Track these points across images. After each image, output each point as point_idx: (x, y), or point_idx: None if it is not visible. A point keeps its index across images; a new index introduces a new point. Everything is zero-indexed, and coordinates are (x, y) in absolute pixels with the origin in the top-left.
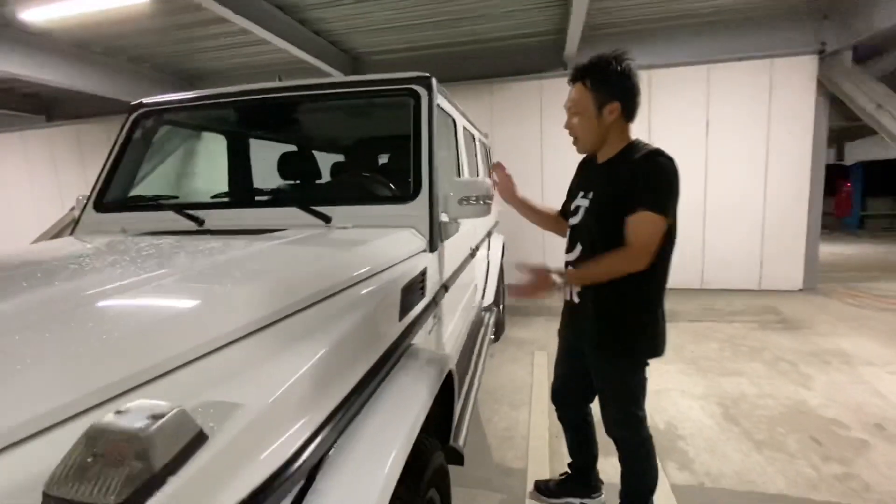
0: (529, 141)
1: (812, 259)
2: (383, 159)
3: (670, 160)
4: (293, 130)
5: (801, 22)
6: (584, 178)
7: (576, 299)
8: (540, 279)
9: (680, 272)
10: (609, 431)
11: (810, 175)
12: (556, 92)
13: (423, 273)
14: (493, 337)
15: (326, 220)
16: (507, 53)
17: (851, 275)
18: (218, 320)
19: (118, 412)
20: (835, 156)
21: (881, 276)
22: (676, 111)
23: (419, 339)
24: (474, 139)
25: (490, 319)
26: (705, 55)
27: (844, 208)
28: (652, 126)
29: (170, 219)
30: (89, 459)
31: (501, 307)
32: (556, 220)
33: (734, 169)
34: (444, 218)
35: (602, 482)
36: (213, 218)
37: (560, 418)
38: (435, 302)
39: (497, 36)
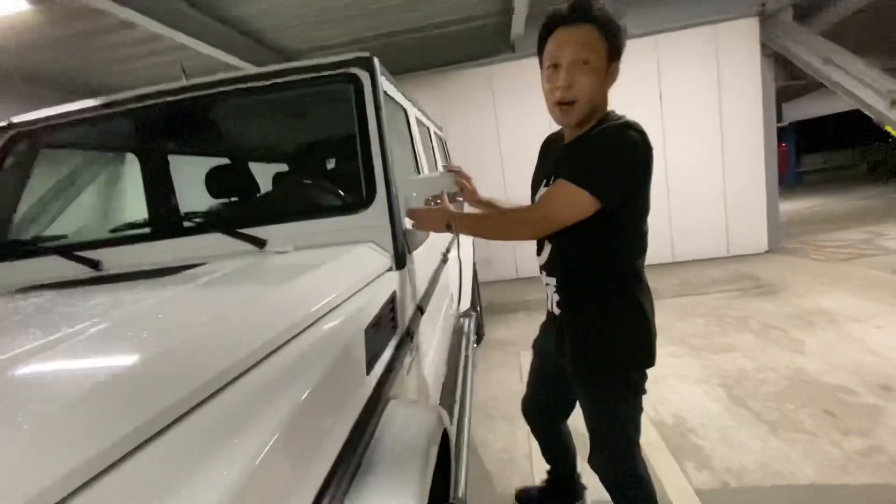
0: (485, 129)
1: (774, 219)
2: (334, 164)
3: (627, 134)
4: (214, 139)
5: None
6: (547, 162)
7: (556, 310)
8: (436, 215)
9: (651, 248)
10: (591, 463)
11: (763, 136)
12: (507, 77)
13: (392, 299)
14: (475, 344)
15: (260, 244)
16: (453, 40)
17: (805, 228)
18: (69, 440)
19: None
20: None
21: (832, 227)
22: (630, 85)
23: (397, 387)
24: (429, 132)
25: (470, 325)
26: (652, 26)
27: (783, 167)
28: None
29: (60, 265)
30: None
31: (479, 308)
32: None
33: (691, 138)
34: (408, 224)
35: (585, 487)
36: (116, 257)
37: (532, 430)
38: (410, 333)
39: (441, 21)
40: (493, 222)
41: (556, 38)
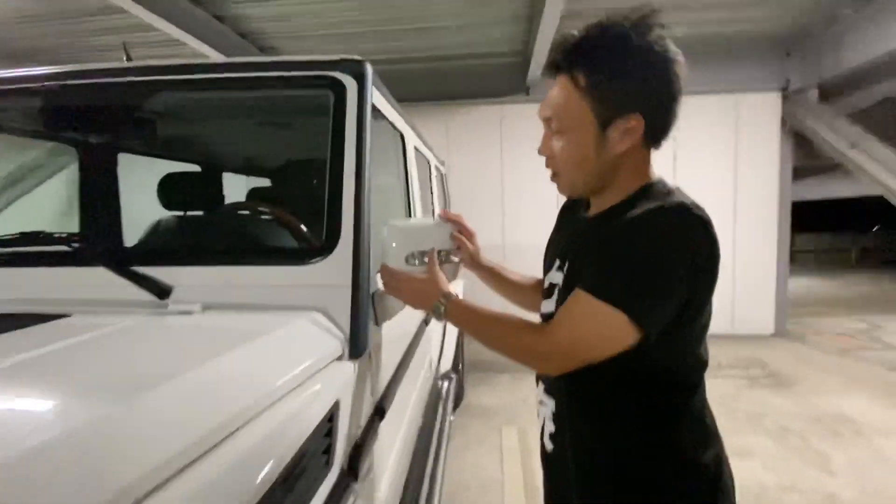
0: (488, 171)
1: (782, 301)
2: (294, 191)
3: (678, 223)
4: (152, 138)
5: (764, 58)
6: (562, 236)
7: (549, 445)
8: (422, 286)
9: None
10: None
11: (778, 213)
12: (518, 119)
13: (332, 415)
14: (451, 414)
15: (162, 293)
16: (465, 74)
17: (803, 311)
18: None
19: None
20: None
21: (829, 312)
22: None
23: None
24: (429, 165)
25: (449, 389)
26: None
27: None
28: None
29: None
30: None
31: (461, 368)
32: (535, 297)
33: (703, 205)
34: (380, 284)
35: None
36: None
37: None
38: (354, 468)
39: (453, 53)
40: (499, 331)
41: None
